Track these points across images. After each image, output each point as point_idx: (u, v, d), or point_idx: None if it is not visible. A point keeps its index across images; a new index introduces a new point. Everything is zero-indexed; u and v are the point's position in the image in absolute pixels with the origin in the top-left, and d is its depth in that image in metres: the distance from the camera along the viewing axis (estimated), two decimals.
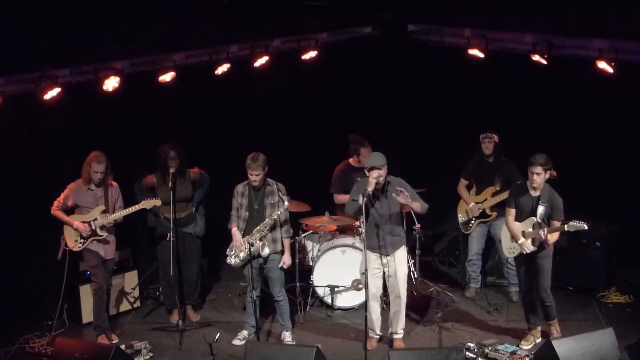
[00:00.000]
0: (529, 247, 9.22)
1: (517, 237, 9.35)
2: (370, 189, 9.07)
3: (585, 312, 10.45)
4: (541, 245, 9.18)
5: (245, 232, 9.60)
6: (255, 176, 9.43)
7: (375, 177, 9.08)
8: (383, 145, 10.08)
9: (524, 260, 9.43)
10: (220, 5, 10.23)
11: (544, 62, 10.27)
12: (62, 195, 9.77)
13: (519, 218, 9.33)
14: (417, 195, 9.45)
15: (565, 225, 8.94)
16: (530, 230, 9.17)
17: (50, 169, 10.27)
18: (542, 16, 10.13)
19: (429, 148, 12.79)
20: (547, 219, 9.18)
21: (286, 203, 9.53)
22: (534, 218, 9.17)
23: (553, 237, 9.14)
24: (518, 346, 9.43)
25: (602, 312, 10.43)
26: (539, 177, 9.07)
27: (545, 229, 9.06)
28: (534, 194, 9.20)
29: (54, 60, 9.36)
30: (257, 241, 9.50)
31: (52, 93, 9.33)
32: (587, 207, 9.55)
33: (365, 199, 9.02)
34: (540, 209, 9.13)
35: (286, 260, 9.71)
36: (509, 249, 9.55)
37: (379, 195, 9.31)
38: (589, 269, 10.86)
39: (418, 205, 9.35)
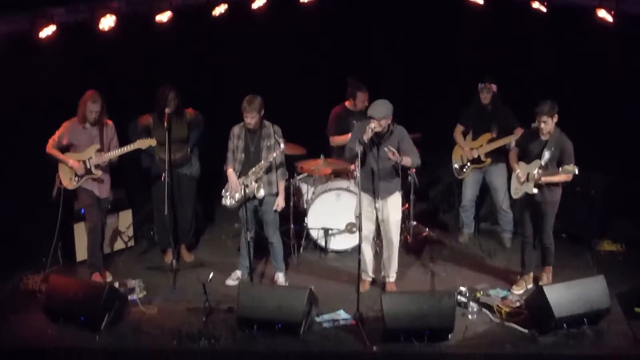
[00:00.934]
0: (521, 176, 9.33)
1: (513, 167, 9.53)
2: (365, 138, 9.06)
3: (578, 260, 10.50)
4: (546, 190, 9.23)
5: (241, 174, 9.60)
6: (250, 119, 9.41)
7: (372, 127, 9.06)
8: (381, 88, 10.05)
9: (529, 204, 9.47)
10: None
11: (544, 9, 10.22)
12: (57, 134, 9.74)
13: (528, 161, 9.39)
14: (414, 148, 9.44)
15: (560, 169, 8.98)
16: (535, 172, 9.20)
17: (46, 108, 10.22)
18: None
19: (428, 93, 12.74)
20: (557, 164, 9.19)
21: (282, 145, 9.52)
22: (539, 161, 9.20)
23: (551, 178, 9.15)
24: (510, 291, 9.50)
25: (593, 260, 10.48)
26: (547, 125, 9.12)
27: (537, 173, 9.11)
28: (544, 138, 9.24)
29: None
30: (253, 183, 9.51)
31: (48, 31, 9.22)
32: (584, 156, 9.54)
33: (361, 147, 9.03)
34: (546, 154, 9.15)
35: (280, 203, 9.72)
36: (515, 190, 9.58)
37: (378, 142, 9.29)
38: (582, 217, 10.88)
39: (409, 161, 9.34)
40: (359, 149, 8.99)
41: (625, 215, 11.20)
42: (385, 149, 9.14)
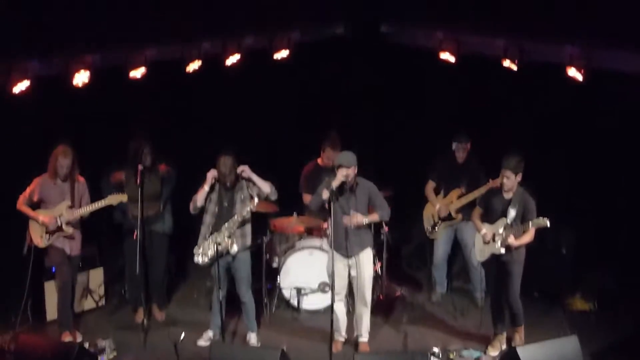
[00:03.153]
0: (488, 236, 9.29)
1: (478, 229, 9.50)
2: (335, 184, 9.06)
3: (550, 319, 10.51)
4: (509, 249, 9.22)
5: (214, 229, 9.55)
6: (229, 182, 9.42)
7: (343, 175, 9.07)
8: (353, 145, 10.06)
9: (494, 265, 9.46)
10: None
11: (515, 67, 10.31)
12: (28, 190, 9.68)
13: (491, 219, 9.38)
14: (384, 202, 9.47)
15: (530, 223, 8.99)
16: (501, 231, 9.20)
17: (18, 163, 10.15)
18: (514, 21, 10.16)
19: (399, 150, 12.80)
20: (521, 221, 9.21)
21: (256, 200, 9.49)
22: (505, 219, 9.21)
23: (522, 240, 9.16)
24: (485, 352, 9.47)
25: (566, 319, 10.49)
26: (509, 180, 9.12)
27: (504, 233, 9.12)
28: (507, 196, 9.24)
29: (23, 51, 9.26)
30: (226, 239, 9.45)
31: (22, 87, 9.20)
32: (554, 212, 9.59)
33: (329, 193, 9.03)
34: (512, 212, 9.16)
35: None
36: (480, 252, 9.58)
37: (347, 196, 9.30)
38: (554, 275, 10.91)
39: (376, 217, 9.45)
40: (327, 197, 9.03)
41: (597, 271, 11.21)
42: (346, 219, 9.22)
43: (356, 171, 9.23)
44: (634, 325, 10.16)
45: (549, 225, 8.94)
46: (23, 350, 8.99)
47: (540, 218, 8.95)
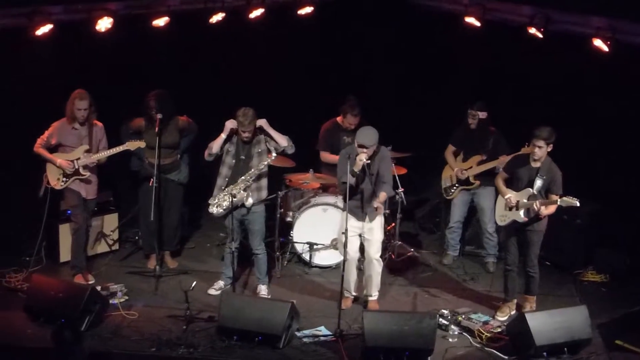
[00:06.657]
0: (513, 202, 9.26)
1: (502, 193, 9.46)
2: (356, 169, 9.08)
3: (561, 289, 10.50)
4: (534, 218, 9.21)
5: (230, 181, 9.56)
6: (248, 133, 9.42)
7: (362, 159, 9.05)
8: (374, 106, 10.05)
9: (514, 231, 9.46)
10: None
11: (540, 35, 10.26)
12: (46, 133, 9.71)
13: (517, 188, 9.35)
14: (390, 178, 9.49)
15: (559, 200, 8.97)
16: (526, 200, 9.19)
17: (36, 106, 10.17)
18: None
19: (420, 112, 12.76)
20: (545, 192, 9.19)
21: (274, 154, 9.50)
22: (530, 189, 9.19)
23: (548, 210, 9.15)
24: (493, 317, 9.47)
25: (577, 290, 10.49)
26: (540, 150, 9.09)
27: (538, 201, 9.09)
28: (535, 165, 9.22)
29: None
30: (241, 191, 9.46)
31: (44, 29, 9.21)
32: (571, 184, 9.57)
33: (354, 178, 9.09)
34: (538, 182, 9.14)
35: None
36: (501, 217, 9.57)
37: (365, 165, 9.27)
38: (567, 246, 10.87)
39: (384, 196, 9.36)
40: (352, 182, 9.06)
41: (611, 245, 11.16)
42: (369, 211, 9.28)
43: (376, 146, 9.23)
44: None
45: (578, 205, 8.92)
46: (36, 290, 9.12)
47: (571, 198, 8.91)
